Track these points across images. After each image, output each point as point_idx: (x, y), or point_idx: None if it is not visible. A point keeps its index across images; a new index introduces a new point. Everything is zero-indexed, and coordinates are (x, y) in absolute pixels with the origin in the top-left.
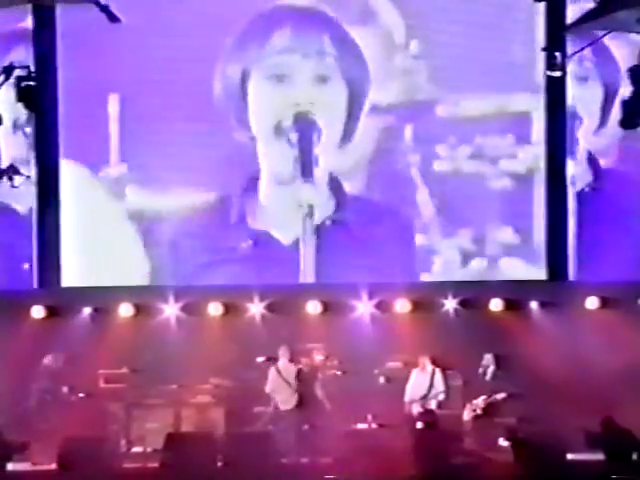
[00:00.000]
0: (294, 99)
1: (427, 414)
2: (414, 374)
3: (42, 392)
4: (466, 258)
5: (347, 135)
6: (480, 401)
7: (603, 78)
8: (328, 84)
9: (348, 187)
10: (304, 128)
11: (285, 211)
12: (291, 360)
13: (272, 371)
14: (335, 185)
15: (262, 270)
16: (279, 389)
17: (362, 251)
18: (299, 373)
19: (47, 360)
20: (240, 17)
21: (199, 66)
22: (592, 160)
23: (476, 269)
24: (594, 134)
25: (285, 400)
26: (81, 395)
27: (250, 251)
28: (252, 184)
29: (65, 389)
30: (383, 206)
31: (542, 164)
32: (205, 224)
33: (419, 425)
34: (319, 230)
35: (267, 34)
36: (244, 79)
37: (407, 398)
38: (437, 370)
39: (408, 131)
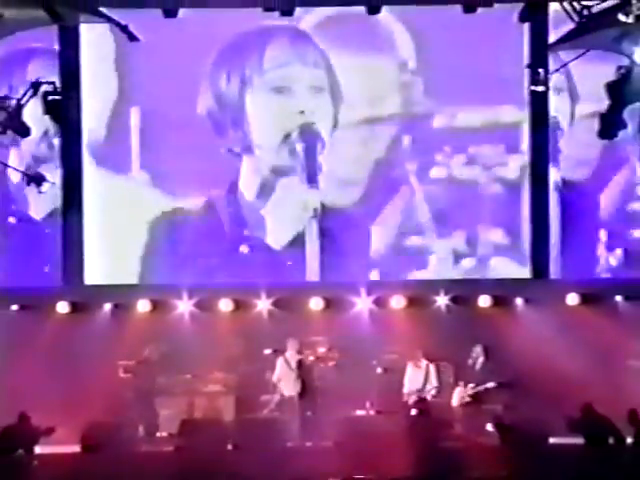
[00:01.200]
0: (296, 107)
1: (420, 402)
2: (410, 369)
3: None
4: (459, 258)
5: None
6: (469, 388)
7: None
8: (321, 95)
9: (351, 192)
10: (309, 138)
11: (291, 214)
12: (299, 352)
13: (280, 360)
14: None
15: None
16: (285, 378)
17: (362, 250)
18: (302, 363)
19: (147, 352)
20: (239, 34)
21: (207, 82)
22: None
23: (467, 268)
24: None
25: (290, 388)
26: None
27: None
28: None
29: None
30: (383, 208)
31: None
32: (215, 226)
33: (413, 412)
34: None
35: (264, 48)
36: (242, 92)
37: (406, 390)
38: (431, 365)
39: (407, 140)
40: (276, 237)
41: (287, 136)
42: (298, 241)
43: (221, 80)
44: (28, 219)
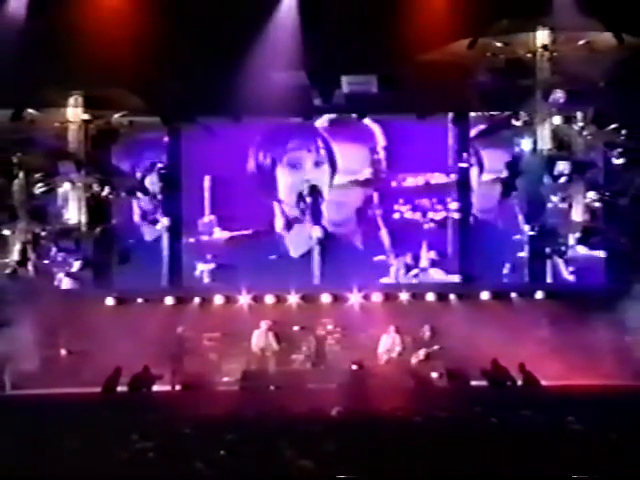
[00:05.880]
0: (303, 177)
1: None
2: (384, 337)
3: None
4: (409, 268)
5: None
6: (422, 352)
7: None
8: (322, 166)
9: (340, 228)
10: (315, 194)
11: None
12: (269, 329)
13: (255, 332)
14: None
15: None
16: (258, 344)
17: (350, 265)
18: (276, 336)
19: (179, 330)
20: (271, 130)
21: (253, 159)
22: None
23: (413, 274)
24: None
25: (263, 350)
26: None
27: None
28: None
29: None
30: (363, 238)
31: (454, 215)
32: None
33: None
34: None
35: (287, 140)
36: (273, 166)
37: (380, 350)
38: (397, 335)
39: (375, 196)
40: (295, 250)
41: (300, 194)
42: (307, 256)
43: (261, 157)
44: (145, 245)
